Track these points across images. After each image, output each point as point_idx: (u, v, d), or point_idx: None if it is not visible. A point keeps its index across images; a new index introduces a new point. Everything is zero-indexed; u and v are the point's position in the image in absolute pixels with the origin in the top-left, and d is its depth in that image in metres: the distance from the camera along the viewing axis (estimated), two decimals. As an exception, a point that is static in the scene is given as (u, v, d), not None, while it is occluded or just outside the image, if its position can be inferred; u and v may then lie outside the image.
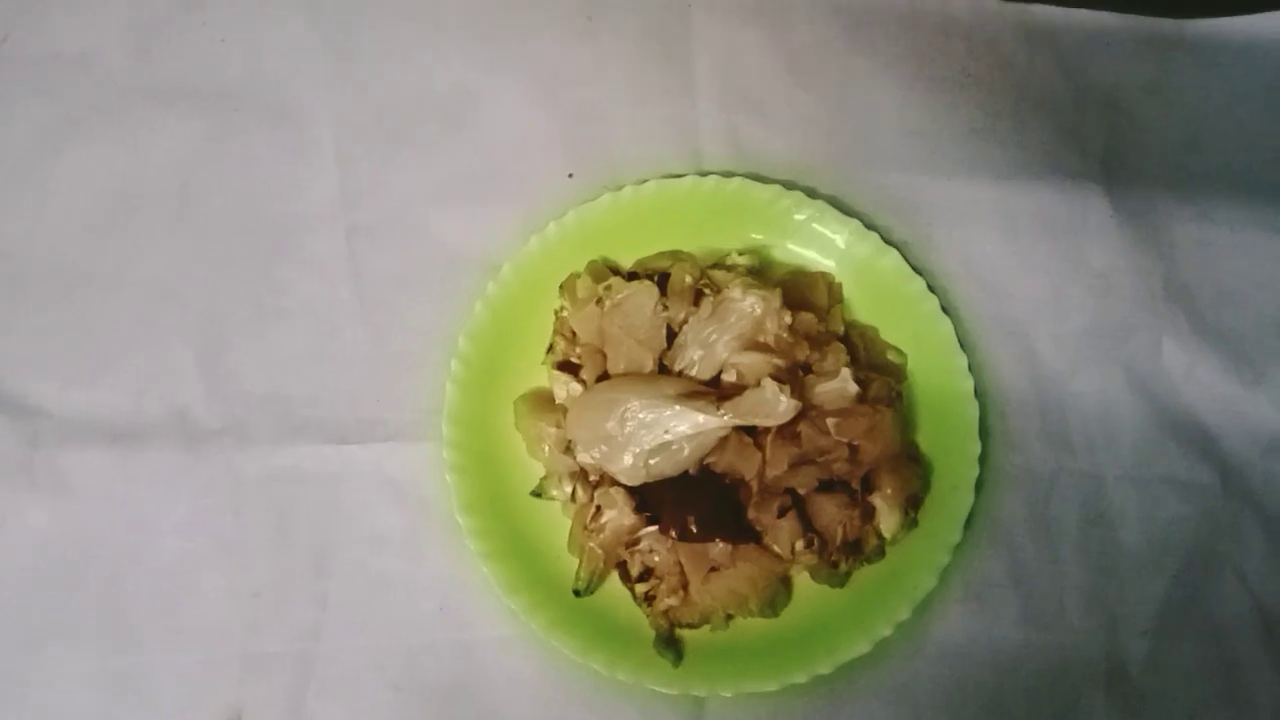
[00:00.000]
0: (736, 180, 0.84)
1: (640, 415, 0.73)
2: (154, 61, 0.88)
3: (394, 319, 0.83)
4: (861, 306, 0.84)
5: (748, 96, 0.89)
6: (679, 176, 0.84)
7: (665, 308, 0.76)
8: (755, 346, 0.75)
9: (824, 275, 0.83)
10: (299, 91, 0.87)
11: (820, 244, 0.84)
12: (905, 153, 0.88)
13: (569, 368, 0.77)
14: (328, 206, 0.85)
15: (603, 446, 0.74)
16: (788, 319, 0.75)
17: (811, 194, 0.84)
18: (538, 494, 0.77)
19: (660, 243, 0.84)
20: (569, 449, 0.76)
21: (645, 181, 0.83)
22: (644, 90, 0.88)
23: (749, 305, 0.75)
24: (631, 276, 0.80)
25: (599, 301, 0.78)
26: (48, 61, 0.89)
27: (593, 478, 0.76)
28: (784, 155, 0.87)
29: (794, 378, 0.74)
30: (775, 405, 0.71)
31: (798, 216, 0.83)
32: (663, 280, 0.78)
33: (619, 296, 0.77)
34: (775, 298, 0.75)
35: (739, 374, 0.75)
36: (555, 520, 0.77)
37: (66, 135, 0.87)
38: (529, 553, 0.76)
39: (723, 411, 0.72)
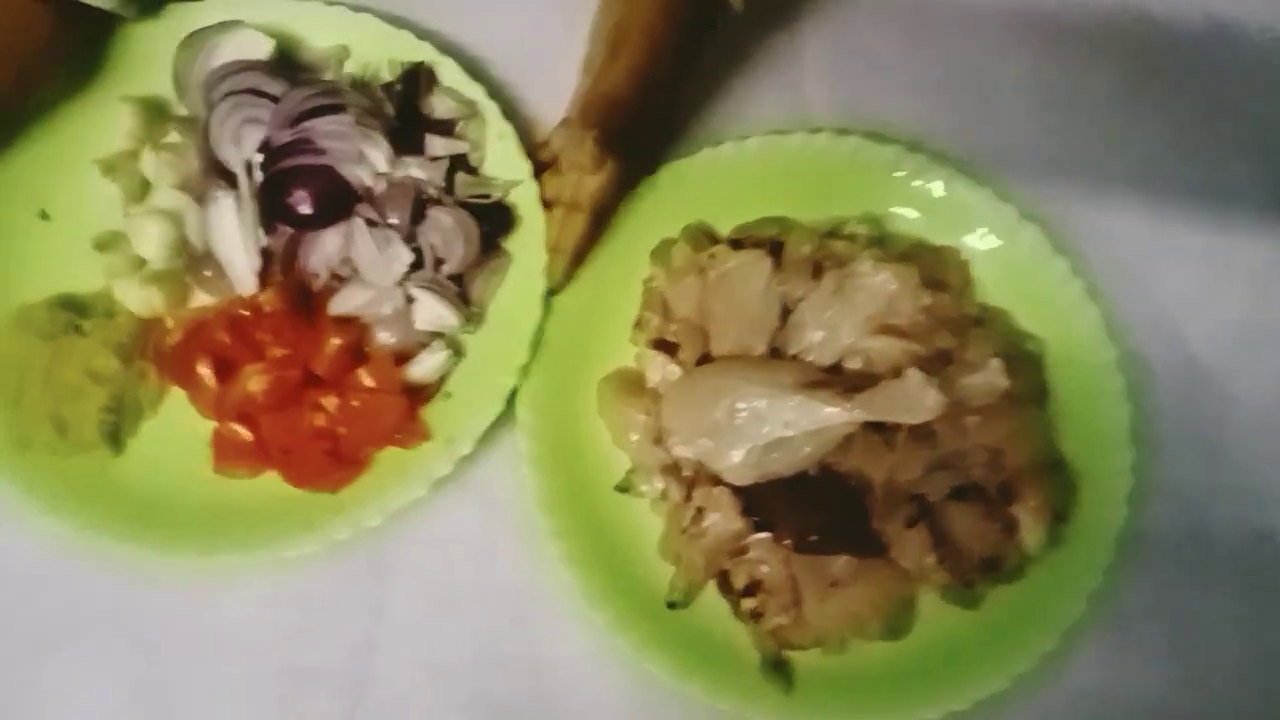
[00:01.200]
0: (853, 139, 0.75)
1: (752, 405, 0.63)
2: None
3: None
4: (992, 287, 0.74)
5: (862, 50, 0.80)
6: (782, 134, 0.74)
7: (781, 282, 0.66)
8: (887, 330, 0.65)
9: (953, 250, 0.74)
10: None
11: (947, 215, 0.74)
12: (1038, 123, 0.80)
13: (665, 347, 0.67)
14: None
15: (706, 440, 0.64)
16: (926, 300, 0.65)
17: (938, 158, 0.74)
18: (624, 489, 0.68)
19: (762, 207, 0.74)
20: (661, 439, 0.68)
21: (748, 137, 0.74)
22: (744, 38, 0.79)
23: (881, 282, 0.65)
24: (734, 245, 0.70)
25: (701, 272, 0.68)
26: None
27: (686, 473, 0.67)
28: (901, 117, 0.79)
29: (936, 368, 0.64)
30: (920, 400, 0.61)
31: (923, 183, 0.74)
32: (774, 250, 0.69)
33: (725, 267, 0.67)
34: (912, 274, 0.65)
35: (866, 361, 0.66)
36: (643, 519, 0.69)
37: None
38: (615, 557, 0.67)
39: (853, 405, 0.62)
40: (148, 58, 0.74)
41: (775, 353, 0.67)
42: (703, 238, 0.71)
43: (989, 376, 0.65)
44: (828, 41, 0.80)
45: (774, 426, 0.63)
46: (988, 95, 0.80)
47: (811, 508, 0.64)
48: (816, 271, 0.68)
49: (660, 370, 0.67)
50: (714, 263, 0.68)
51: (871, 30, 0.80)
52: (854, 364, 0.66)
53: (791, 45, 0.80)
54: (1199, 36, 0.83)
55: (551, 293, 0.70)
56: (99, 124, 0.72)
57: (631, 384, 0.70)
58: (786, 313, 0.68)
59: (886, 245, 0.72)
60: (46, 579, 0.67)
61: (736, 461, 0.63)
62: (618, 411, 0.69)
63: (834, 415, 0.62)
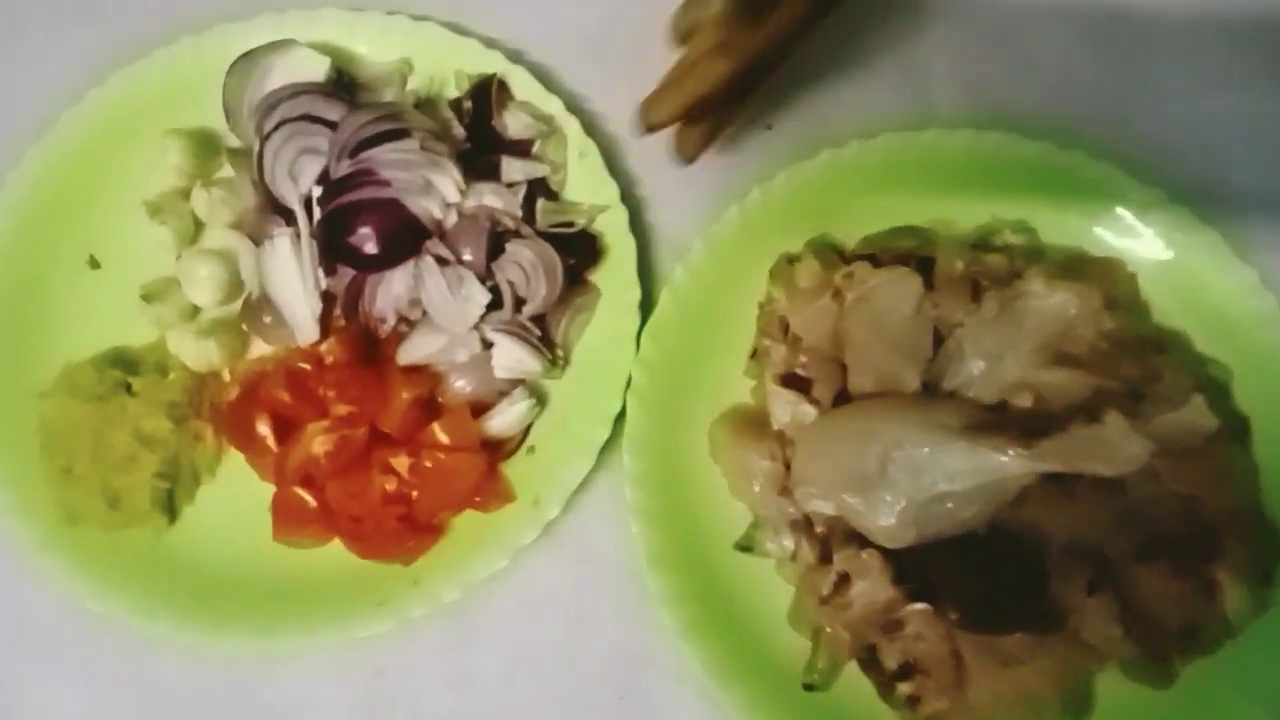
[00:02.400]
0: (995, 135, 0.66)
1: (909, 454, 0.54)
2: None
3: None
4: (1163, 305, 0.63)
5: (993, 32, 0.71)
6: (915, 130, 0.65)
7: (933, 305, 0.57)
8: (1063, 360, 0.55)
9: (1118, 262, 0.63)
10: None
11: (1109, 220, 0.64)
12: (1205, 117, 0.69)
13: (795, 383, 0.58)
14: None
15: (851, 494, 0.55)
16: (1108, 323, 0.55)
17: (1096, 154, 0.64)
18: (745, 548, 0.60)
19: (892, 215, 0.65)
20: (787, 490, 0.59)
21: (874, 136, 0.64)
22: (858, 22, 0.70)
23: (1058, 304, 0.55)
24: (871, 261, 0.60)
25: (835, 294, 0.58)
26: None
27: (819, 527, 0.57)
28: (1043, 107, 0.69)
29: (1128, 406, 0.53)
30: (1122, 448, 0.51)
31: (1078, 183, 0.64)
32: (922, 267, 0.59)
33: (865, 288, 0.58)
34: (1094, 295, 0.55)
35: (1037, 397, 0.56)
36: (768, 582, 0.60)
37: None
38: (738, 626, 0.59)
39: (1034, 454, 0.52)
40: (195, 85, 0.68)
41: (928, 388, 0.58)
42: (832, 255, 0.63)
43: (1193, 415, 0.54)
44: (954, 23, 0.71)
45: (936, 479, 0.53)
46: (1142, 78, 0.69)
47: (980, 573, 0.54)
48: (975, 292, 0.58)
49: (790, 410, 0.59)
50: (851, 283, 0.59)
51: (1003, 10, 0.70)
52: (1021, 400, 0.56)
53: (913, 27, 0.71)
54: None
55: (684, 162, 0.62)
56: (146, 161, 0.67)
57: (751, 424, 0.61)
58: (938, 340, 0.58)
59: (1043, 256, 0.63)
60: (93, 661, 0.61)
61: (890, 522, 0.54)
62: (736, 457, 0.61)
63: (1010, 465, 0.52)
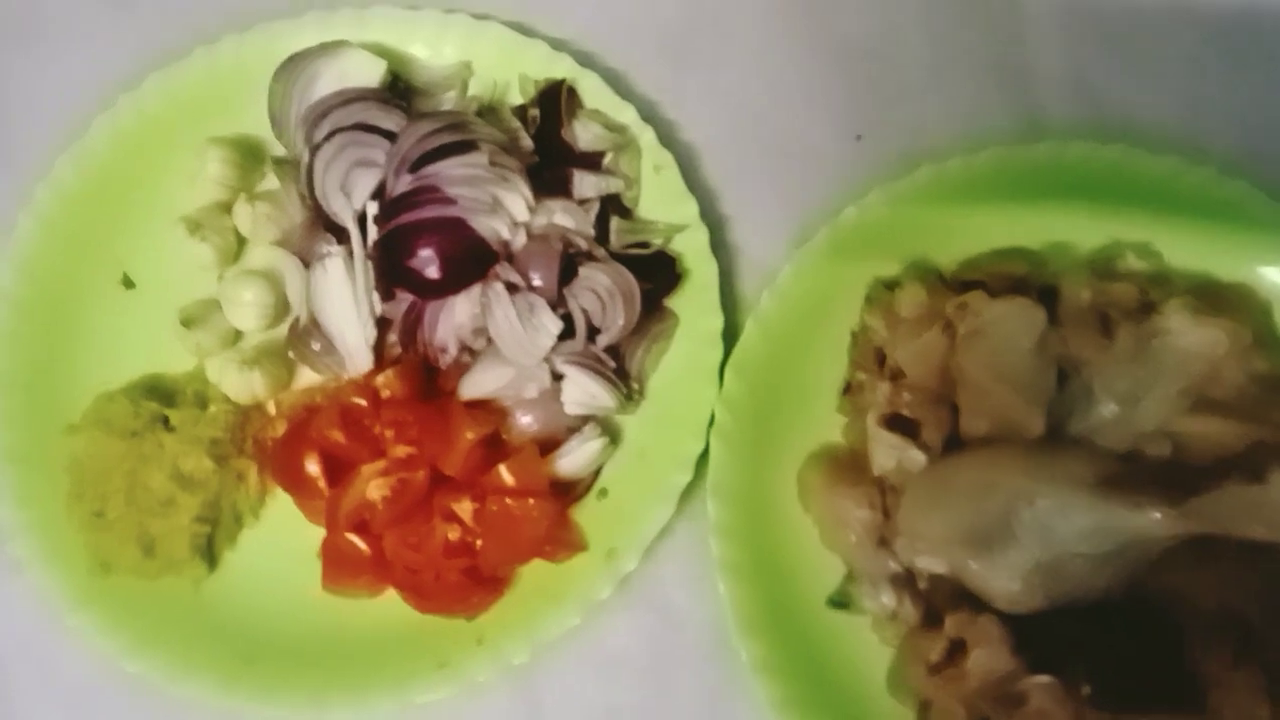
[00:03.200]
0: (1117, 149, 0.60)
1: (1036, 509, 0.48)
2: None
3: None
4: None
5: (1104, 30, 0.64)
6: (1025, 143, 0.59)
7: (1059, 341, 0.51)
8: (1209, 406, 0.49)
9: (1247, 289, 0.57)
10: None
11: (1239, 242, 0.57)
12: None
13: (900, 424, 0.53)
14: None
15: (967, 552, 0.49)
16: (1260, 364, 0.49)
17: (1228, 171, 0.58)
18: (840, 604, 0.54)
19: (994, 235, 0.59)
20: (886, 541, 0.53)
21: (979, 150, 0.59)
22: (954, 18, 0.65)
23: (1202, 343, 0.49)
24: (973, 287, 0.55)
25: (945, 326, 0.53)
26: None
27: (922, 583, 0.53)
28: (1165, 117, 0.63)
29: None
30: None
31: (1208, 203, 0.58)
32: (1043, 297, 0.53)
33: (981, 320, 0.51)
34: (1244, 332, 0.49)
35: (1176, 446, 0.50)
36: (864, 642, 0.54)
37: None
38: (831, 693, 0.53)
39: (1182, 513, 0.46)
40: (238, 89, 0.62)
41: (1051, 434, 0.51)
42: (936, 280, 0.57)
43: (1354, 472, 0.48)
44: (1062, 20, 0.64)
45: (1067, 539, 0.48)
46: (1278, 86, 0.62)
47: (1113, 644, 0.48)
48: (1105, 326, 0.52)
49: (894, 455, 0.53)
50: (965, 314, 0.52)
51: (1118, 6, 0.64)
52: (1158, 449, 0.51)
53: (1015, 25, 0.64)
54: None
55: None
56: (185, 171, 0.61)
57: (845, 467, 0.56)
58: (1061, 379, 0.52)
59: (1167, 284, 0.56)
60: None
61: (1013, 585, 0.48)
62: (830, 504, 0.55)
63: (1154, 526, 0.47)
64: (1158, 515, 0.47)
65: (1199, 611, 0.49)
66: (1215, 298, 0.57)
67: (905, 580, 0.54)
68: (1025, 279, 0.56)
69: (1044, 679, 0.49)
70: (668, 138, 0.61)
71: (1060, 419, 0.52)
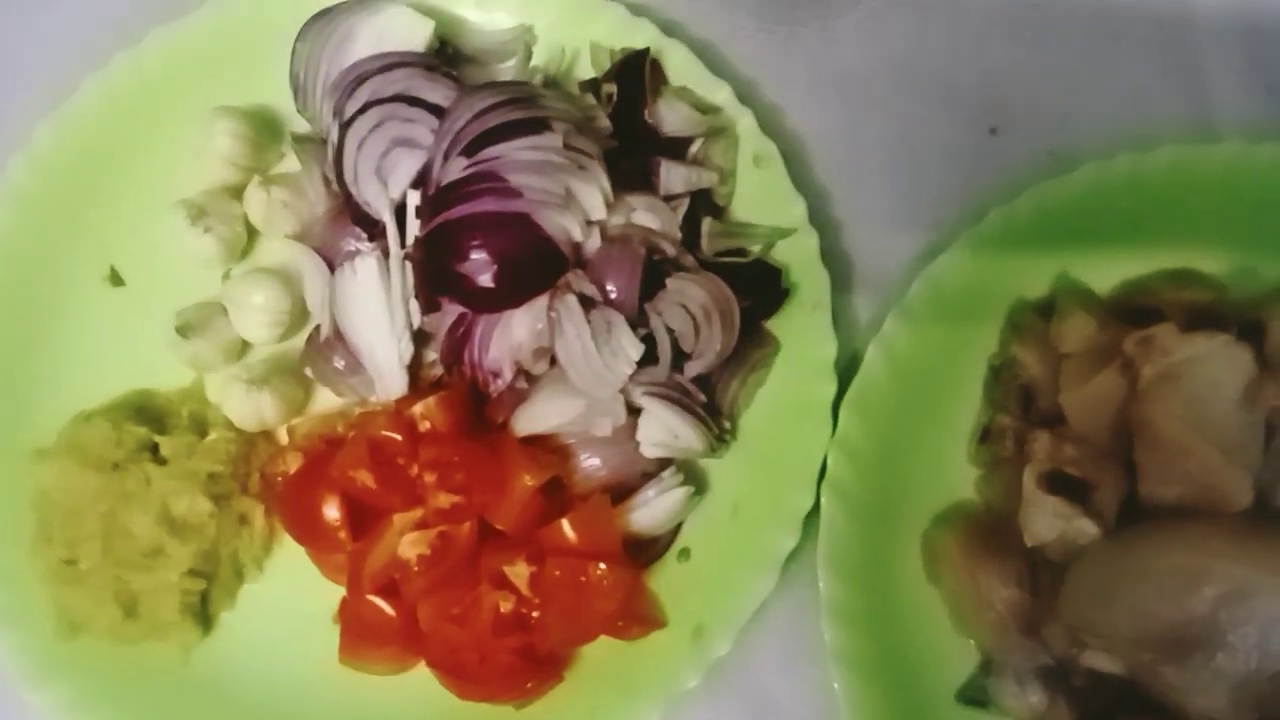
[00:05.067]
0: None
1: (1254, 608, 0.38)
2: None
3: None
4: None
5: None
6: (1203, 142, 0.49)
7: (1273, 393, 0.41)
8: None
9: None
10: None
11: None
12: None
13: (1065, 486, 0.43)
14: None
15: (1159, 656, 0.39)
16: None
17: None
18: (976, 700, 0.45)
19: (1160, 253, 0.49)
20: (1034, 626, 0.44)
21: (1153, 148, 0.49)
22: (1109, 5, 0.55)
23: None
24: (1147, 316, 0.45)
25: (1124, 367, 0.43)
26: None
27: (1077, 680, 0.44)
28: None
29: None
30: None
31: None
32: (1246, 334, 0.43)
33: (1174, 361, 0.42)
34: None
35: None
36: None
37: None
38: None
39: None
40: (254, 50, 0.53)
41: (1259, 504, 0.42)
42: (1099, 307, 0.47)
43: None
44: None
45: None
46: None
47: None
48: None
49: (1058, 524, 0.43)
50: (1152, 352, 0.43)
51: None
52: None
53: (1182, 6, 0.54)
54: None
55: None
56: (187, 147, 0.51)
57: (985, 533, 0.47)
58: (1270, 436, 0.42)
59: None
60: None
61: (1219, 699, 0.39)
62: (967, 579, 0.46)
63: None
64: None
65: None
66: None
67: (1057, 676, 0.44)
68: (1213, 309, 0.47)
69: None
70: (770, 124, 0.52)
71: (1268, 489, 0.42)
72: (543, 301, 0.45)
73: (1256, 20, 0.55)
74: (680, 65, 0.52)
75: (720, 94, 0.51)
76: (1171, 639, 0.40)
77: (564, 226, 0.45)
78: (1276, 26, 0.54)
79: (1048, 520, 0.43)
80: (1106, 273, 0.50)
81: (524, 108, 0.45)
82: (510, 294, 0.45)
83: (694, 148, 0.50)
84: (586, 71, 0.53)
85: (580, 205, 0.45)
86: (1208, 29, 0.54)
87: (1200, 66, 0.54)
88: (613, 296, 0.45)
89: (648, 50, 0.51)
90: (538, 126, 0.44)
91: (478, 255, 0.44)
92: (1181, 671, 0.40)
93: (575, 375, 0.44)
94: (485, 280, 0.44)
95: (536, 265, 0.45)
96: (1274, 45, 0.54)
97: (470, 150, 0.44)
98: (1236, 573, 0.40)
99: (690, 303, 0.45)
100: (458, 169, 0.45)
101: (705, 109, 0.51)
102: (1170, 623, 0.40)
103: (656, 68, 0.51)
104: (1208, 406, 0.42)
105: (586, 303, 0.44)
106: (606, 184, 0.46)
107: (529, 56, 0.52)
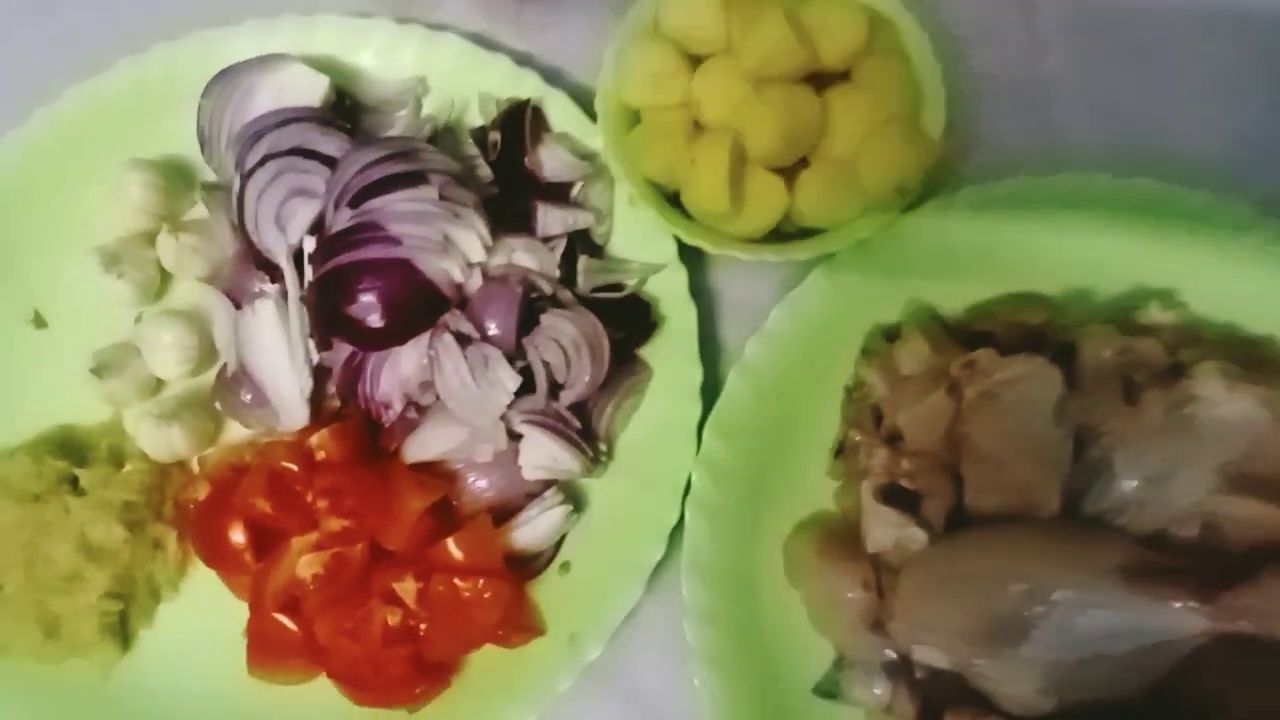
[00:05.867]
0: (1143, 182, 0.54)
1: (1055, 604, 0.42)
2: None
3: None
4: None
5: (1131, 49, 0.58)
6: (1044, 175, 0.53)
7: (1079, 408, 0.45)
8: (1251, 485, 0.44)
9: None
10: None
11: (1275, 287, 0.52)
12: None
13: (900, 497, 0.47)
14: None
15: (975, 649, 0.43)
16: None
17: (1263, 208, 0.53)
18: (828, 693, 0.49)
19: (1007, 277, 0.53)
20: (881, 624, 0.48)
21: (996, 180, 0.53)
22: (967, 35, 0.58)
23: (1240, 413, 0.44)
24: (980, 340, 0.49)
25: (951, 388, 0.47)
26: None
27: (919, 673, 0.47)
28: (1196, 147, 0.56)
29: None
30: None
31: (1239, 245, 0.52)
32: (1059, 356, 0.47)
33: (992, 382, 0.46)
34: None
35: (1207, 528, 0.44)
36: None
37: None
38: None
39: (1218, 610, 0.40)
40: (165, 105, 0.56)
41: (1065, 510, 0.46)
42: (940, 332, 0.51)
43: None
44: (1084, 36, 0.58)
45: (1088, 636, 0.42)
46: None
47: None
48: (1128, 391, 0.47)
49: (893, 532, 0.47)
50: (974, 375, 0.47)
51: (1148, 28, 0.58)
52: (1185, 530, 0.45)
53: (1032, 40, 0.58)
54: None
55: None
56: (104, 196, 0.55)
57: (838, 540, 0.50)
58: (1078, 449, 0.46)
59: (1197, 334, 0.50)
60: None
61: (1027, 688, 0.43)
62: (819, 582, 0.50)
63: (1186, 623, 0.41)
64: (1188, 611, 0.41)
65: (1232, 715, 0.44)
66: (1252, 356, 0.51)
67: (900, 669, 0.48)
68: (1042, 330, 0.51)
69: (1060, 793, 0.44)
70: (645, 166, 0.56)
71: (1075, 495, 0.46)
72: (425, 340, 0.49)
73: (1098, 54, 0.58)
74: (562, 112, 0.55)
75: (598, 139, 0.54)
76: (985, 633, 0.44)
77: (444, 269, 0.49)
78: (1111, 65, 0.58)
79: (884, 529, 0.47)
80: (957, 297, 0.54)
81: (404, 161, 0.48)
82: (396, 333, 0.49)
83: (575, 190, 0.54)
84: (477, 119, 0.56)
85: (459, 249, 0.49)
86: (1059, 71, 0.58)
87: (1049, 107, 0.57)
88: (492, 333, 0.49)
89: (528, 101, 0.54)
90: (415, 179, 0.48)
91: (365, 298, 0.48)
92: (993, 663, 0.44)
93: (454, 406, 0.48)
94: (373, 321, 0.48)
95: (419, 306, 0.48)
96: (1107, 84, 0.57)
97: (355, 202, 0.48)
98: (1039, 572, 0.44)
99: (562, 337, 0.49)
100: (345, 219, 0.49)
101: (584, 154, 0.54)
102: (983, 618, 0.44)
103: (538, 116, 0.55)
104: (1022, 423, 0.46)
105: (463, 340, 0.48)
106: (484, 229, 0.49)
107: (419, 107, 0.55)
